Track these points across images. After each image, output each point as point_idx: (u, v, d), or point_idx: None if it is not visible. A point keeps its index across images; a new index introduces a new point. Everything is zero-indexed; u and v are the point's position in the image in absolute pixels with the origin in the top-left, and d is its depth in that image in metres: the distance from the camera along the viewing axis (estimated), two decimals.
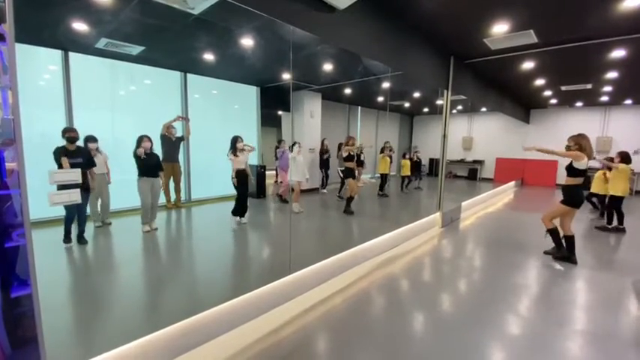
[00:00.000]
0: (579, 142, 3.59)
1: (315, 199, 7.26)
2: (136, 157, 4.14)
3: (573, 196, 3.68)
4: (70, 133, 3.40)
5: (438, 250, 4.35)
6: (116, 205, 4.48)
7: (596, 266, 3.79)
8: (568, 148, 3.68)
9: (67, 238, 3.53)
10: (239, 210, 4.77)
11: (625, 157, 5.14)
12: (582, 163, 3.54)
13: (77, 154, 3.45)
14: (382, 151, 7.84)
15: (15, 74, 1.24)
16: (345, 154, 5.77)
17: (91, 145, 3.94)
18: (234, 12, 3.29)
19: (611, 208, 5.37)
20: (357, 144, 5.94)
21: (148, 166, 4.21)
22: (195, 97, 6.36)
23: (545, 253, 4.08)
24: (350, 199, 5.74)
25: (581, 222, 5.80)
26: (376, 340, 2.26)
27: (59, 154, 3.28)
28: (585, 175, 3.65)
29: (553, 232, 3.91)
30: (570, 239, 3.79)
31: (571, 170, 3.65)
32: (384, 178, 7.75)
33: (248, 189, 4.88)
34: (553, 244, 3.97)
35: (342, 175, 6.10)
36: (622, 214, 5.29)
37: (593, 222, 5.92)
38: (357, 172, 6.48)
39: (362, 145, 6.95)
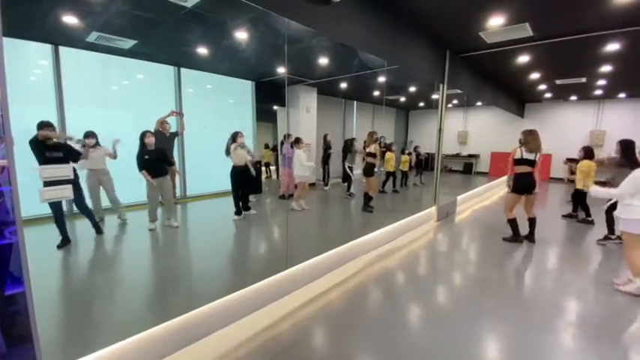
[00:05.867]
0: (524, 137, 4.10)
1: (316, 193, 7.26)
2: (137, 158, 4.08)
3: (514, 184, 4.25)
4: (47, 129, 3.09)
5: (433, 244, 4.38)
6: (122, 199, 4.44)
7: (586, 258, 3.86)
8: (519, 141, 4.21)
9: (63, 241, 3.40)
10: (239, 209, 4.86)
11: (588, 153, 5.27)
12: (517, 153, 4.12)
13: (57, 147, 3.19)
14: (388, 148, 7.72)
15: (3, 69, 1.21)
16: (370, 150, 5.59)
17: (88, 141, 3.86)
18: (228, 4, 3.25)
19: (575, 200, 5.63)
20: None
21: (152, 164, 4.11)
22: (190, 92, 6.29)
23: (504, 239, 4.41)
24: (369, 197, 5.62)
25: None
26: (373, 333, 2.28)
27: (36, 145, 3.02)
28: (529, 164, 4.10)
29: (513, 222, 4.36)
30: (514, 222, 4.34)
31: (514, 160, 4.20)
32: (390, 175, 7.50)
33: (248, 186, 4.96)
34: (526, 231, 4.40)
35: (363, 173, 5.84)
36: (587, 206, 5.43)
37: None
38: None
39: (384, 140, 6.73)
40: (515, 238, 4.32)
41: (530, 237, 4.34)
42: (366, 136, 6.02)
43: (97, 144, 3.99)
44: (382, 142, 8.03)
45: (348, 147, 6.44)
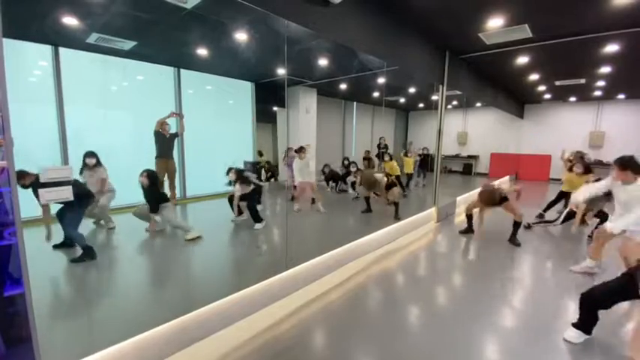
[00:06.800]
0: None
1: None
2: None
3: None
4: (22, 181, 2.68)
5: (433, 245, 4.38)
6: (119, 201, 4.41)
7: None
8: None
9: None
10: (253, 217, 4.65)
11: (586, 168, 5.25)
12: None
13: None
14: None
15: (3, 70, 1.21)
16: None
17: (88, 161, 3.82)
18: (228, 5, 3.24)
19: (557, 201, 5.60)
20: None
21: (146, 199, 4.04)
22: (189, 93, 6.30)
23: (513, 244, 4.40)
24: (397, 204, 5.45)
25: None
26: (373, 334, 2.28)
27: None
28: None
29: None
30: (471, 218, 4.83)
31: None
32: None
33: (252, 201, 4.75)
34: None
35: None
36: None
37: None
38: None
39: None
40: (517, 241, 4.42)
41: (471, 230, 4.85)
42: (365, 139, 5.96)
43: (98, 164, 3.89)
44: (382, 143, 8.03)
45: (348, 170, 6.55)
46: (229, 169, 4.75)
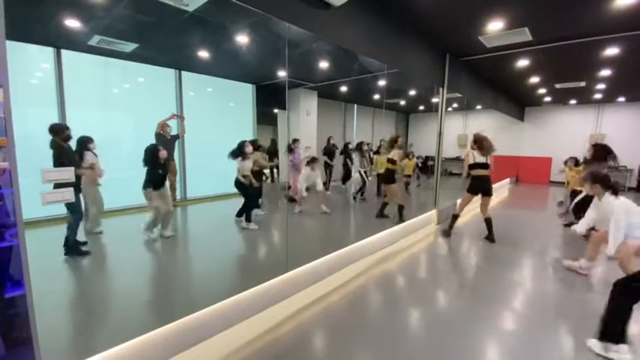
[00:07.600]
0: (478, 143, 4.49)
1: (317, 197, 7.24)
2: (151, 167, 3.88)
3: (470, 185, 4.64)
4: (67, 132, 3.12)
5: (434, 247, 4.38)
6: (109, 204, 4.40)
7: None
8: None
9: (70, 249, 3.25)
10: (243, 212, 4.77)
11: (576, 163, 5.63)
12: (471, 158, 4.53)
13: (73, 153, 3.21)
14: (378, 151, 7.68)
15: (6, 72, 1.22)
16: (392, 156, 5.21)
17: (91, 146, 3.79)
18: (229, 9, 3.26)
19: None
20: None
21: (160, 177, 3.98)
22: (190, 95, 6.32)
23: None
24: (385, 204, 5.30)
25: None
26: (373, 336, 2.27)
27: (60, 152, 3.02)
28: (483, 167, 4.54)
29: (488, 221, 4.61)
30: (488, 221, 4.60)
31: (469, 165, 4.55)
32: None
33: (253, 192, 4.84)
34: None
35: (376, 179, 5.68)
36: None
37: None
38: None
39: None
40: (449, 232, 4.74)
41: (490, 236, 4.53)
42: (366, 141, 5.96)
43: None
44: (383, 146, 8.02)
45: (360, 150, 6.52)
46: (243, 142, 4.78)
